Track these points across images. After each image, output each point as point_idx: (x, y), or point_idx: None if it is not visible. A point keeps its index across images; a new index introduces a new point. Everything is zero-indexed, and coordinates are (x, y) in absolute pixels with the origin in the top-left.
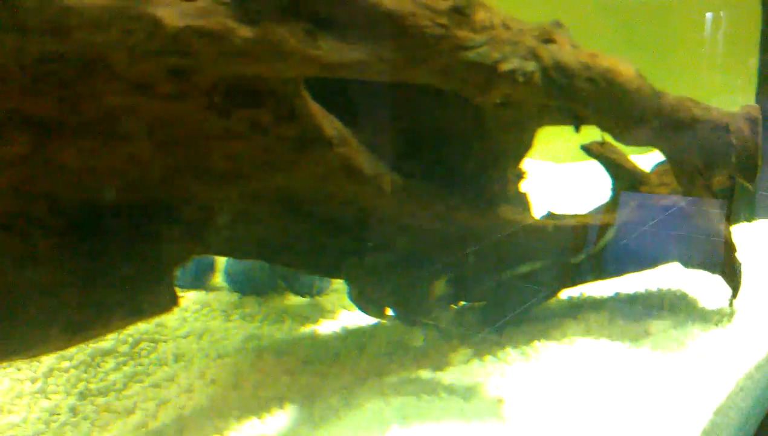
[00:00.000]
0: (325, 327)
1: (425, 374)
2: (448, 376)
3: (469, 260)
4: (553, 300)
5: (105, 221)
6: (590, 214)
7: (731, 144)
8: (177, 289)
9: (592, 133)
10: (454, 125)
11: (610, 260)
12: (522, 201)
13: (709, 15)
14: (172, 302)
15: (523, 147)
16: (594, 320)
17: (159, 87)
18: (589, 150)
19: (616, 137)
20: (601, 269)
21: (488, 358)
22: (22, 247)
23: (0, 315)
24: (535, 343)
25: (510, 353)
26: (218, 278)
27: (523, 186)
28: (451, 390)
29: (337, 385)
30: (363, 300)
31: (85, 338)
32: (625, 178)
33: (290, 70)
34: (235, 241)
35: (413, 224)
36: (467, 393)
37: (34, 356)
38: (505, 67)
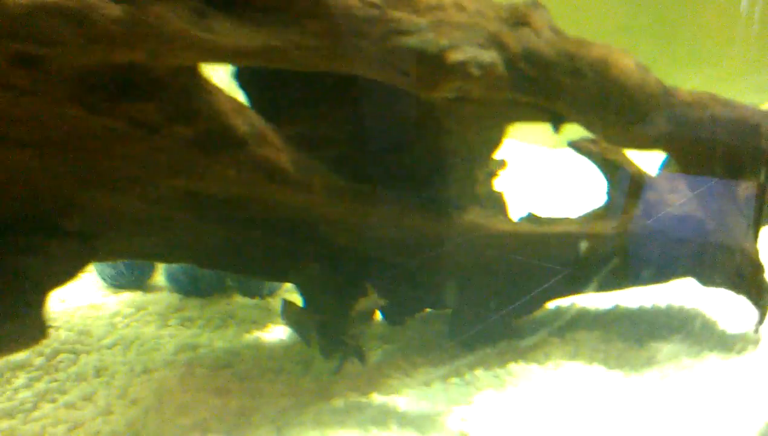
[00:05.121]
0: (273, 334)
1: (377, 398)
2: (404, 401)
3: (419, 269)
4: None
5: None
6: (581, 219)
7: (761, 148)
8: (111, 290)
9: None
10: (406, 121)
11: (610, 271)
12: (495, 202)
13: None
14: (41, 333)
15: (489, 144)
16: (586, 339)
17: (5, 79)
18: (578, 148)
19: (611, 139)
20: (599, 281)
21: (454, 380)
22: None
23: None
24: (512, 365)
25: (480, 377)
26: (159, 277)
27: (504, 176)
28: (404, 420)
29: (271, 410)
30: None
31: None
32: (624, 183)
33: (175, 57)
34: (158, 246)
35: (360, 230)
36: (424, 424)
37: None
38: (455, 57)
